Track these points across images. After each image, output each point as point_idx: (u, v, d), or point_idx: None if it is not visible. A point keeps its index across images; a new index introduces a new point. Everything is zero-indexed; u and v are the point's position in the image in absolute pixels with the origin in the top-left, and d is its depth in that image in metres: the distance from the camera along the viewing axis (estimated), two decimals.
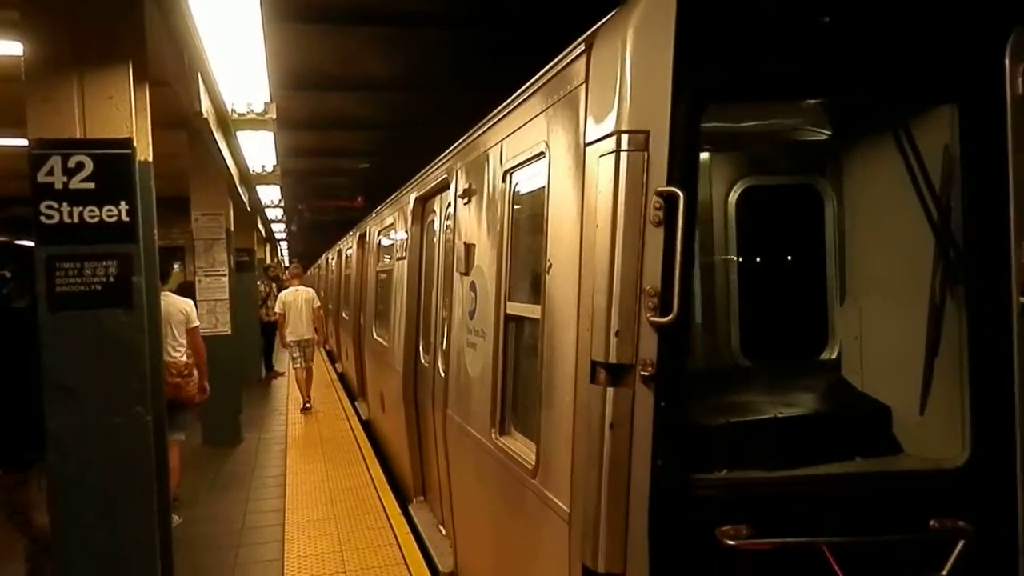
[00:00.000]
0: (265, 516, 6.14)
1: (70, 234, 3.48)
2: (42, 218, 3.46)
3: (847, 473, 2.19)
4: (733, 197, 2.89)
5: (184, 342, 6.19)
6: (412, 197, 5.39)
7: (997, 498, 1.98)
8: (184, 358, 6.18)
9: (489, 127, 3.39)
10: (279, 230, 20.93)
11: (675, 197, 1.99)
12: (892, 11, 2.01)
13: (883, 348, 2.33)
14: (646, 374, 2.04)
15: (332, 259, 14.84)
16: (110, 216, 3.52)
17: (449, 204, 4.14)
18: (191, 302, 6.49)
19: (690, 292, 2.23)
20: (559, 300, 2.38)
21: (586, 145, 2.24)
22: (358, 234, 9.65)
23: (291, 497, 6.57)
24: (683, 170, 2.01)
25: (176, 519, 5.58)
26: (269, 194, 12.09)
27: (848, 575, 1.98)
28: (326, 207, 15.34)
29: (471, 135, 3.75)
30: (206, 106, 5.88)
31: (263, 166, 9.26)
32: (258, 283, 14.19)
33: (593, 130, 2.21)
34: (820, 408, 2.53)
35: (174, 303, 6.23)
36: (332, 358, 15.09)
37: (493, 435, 2.99)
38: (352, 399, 10.00)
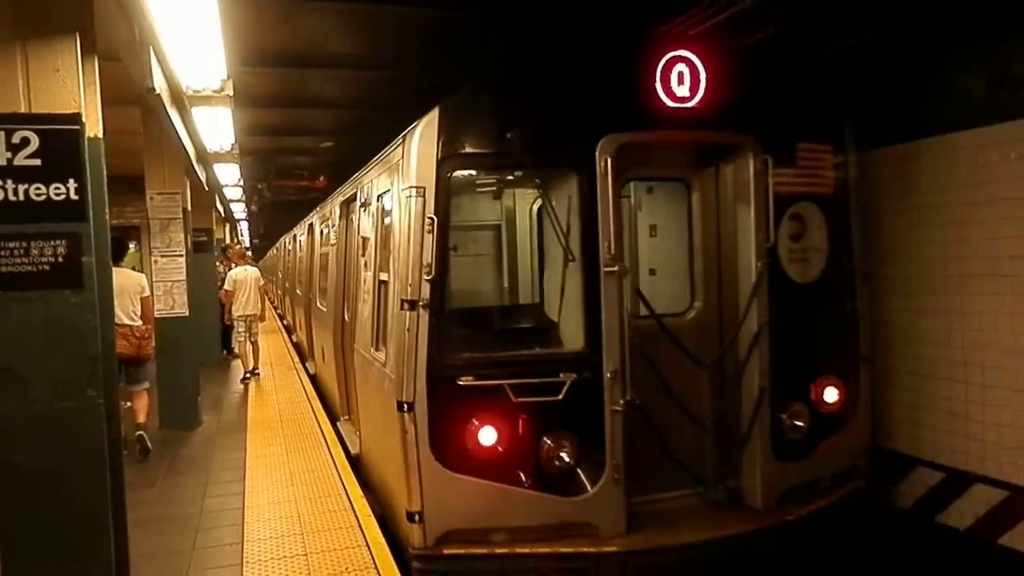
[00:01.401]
0: (225, 499, 6.12)
1: (15, 213, 3.39)
2: None
3: (529, 353, 4.67)
4: (533, 209, 5.45)
5: (138, 310, 7.49)
6: (338, 201, 7.78)
7: (593, 364, 4.53)
8: (142, 323, 7.53)
9: (373, 167, 5.91)
10: (239, 210, 20.73)
11: (433, 219, 4.37)
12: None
13: (562, 298, 4.80)
14: (423, 304, 4.41)
15: (289, 243, 16.63)
16: (58, 194, 3.45)
17: (356, 209, 6.54)
18: (143, 275, 7.81)
19: (445, 265, 4.45)
20: (393, 269, 4.68)
21: (402, 190, 4.60)
22: (307, 224, 12.19)
23: (251, 479, 6.55)
24: (439, 205, 4.37)
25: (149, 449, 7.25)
26: (228, 173, 11.97)
27: (519, 396, 4.43)
28: (288, 187, 15.03)
29: (367, 168, 6.22)
30: (159, 82, 5.76)
31: (220, 144, 9.18)
32: (217, 264, 14.11)
33: (404, 183, 4.58)
34: (525, 324, 4.96)
35: (131, 276, 7.57)
36: (289, 331, 16.34)
37: (372, 351, 5.41)
38: (303, 360, 11.97)
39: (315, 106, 9.48)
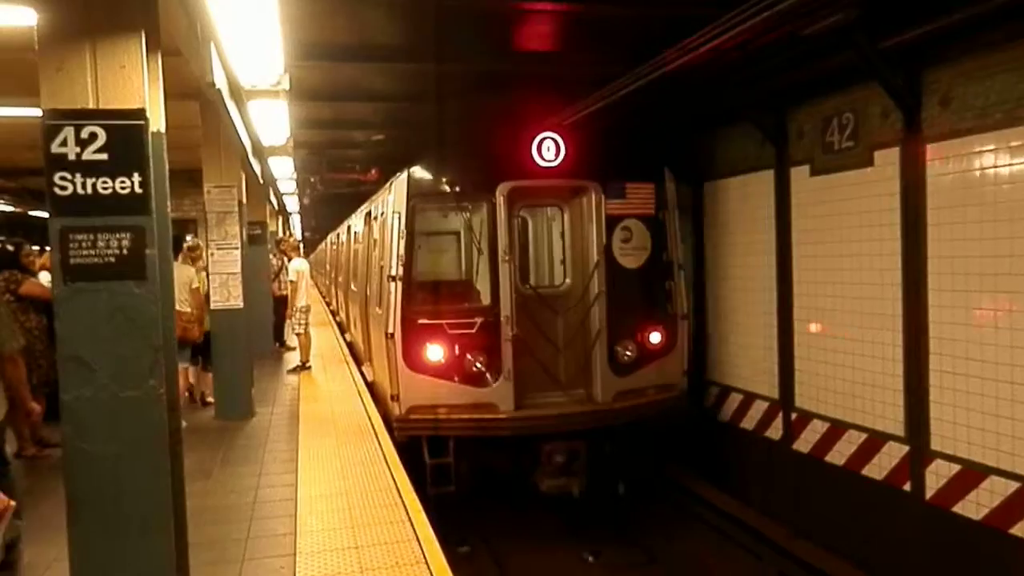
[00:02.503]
0: (277, 491, 6.20)
1: (84, 205, 3.45)
2: (56, 189, 3.43)
3: (458, 306, 8.23)
4: (465, 224, 8.39)
5: (188, 298, 8.54)
6: (364, 212, 11.66)
7: (495, 313, 8.26)
8: (188, 309, 8.55)
9: (380, 195, 9.70)
10: (292, 203, 20.89)
11: (405, 231, 8.13)
12: None
13: (477, 275, 8.29)
14: (399, 278, 8.05)
15: (343, 236, 17.87)
16: (123, 188, 3.50)
17: (373, 221, 10.22)
18: (192, 268, 8.85)
19: (411, 256, 8.09)
20: (386, 259, 8.33)
21: (391, 213, 8.39)
22: (346, 226, 15.84)
23: (303, 471, 6.61)
24: (409, 222, 8.13)
25: (183, 424, 6.98)
26: (282, 166, 12.16)
27: (452, 330, 8.18)
28: (339, 180, 14.98)
29: (378, 194, 10.05)
30: (219, 76, 5.86)
31: (276, 138, 9.29)
32: (271, 257, 14.40)
33: (391, 209, 8.45)
34: (459, 289, 8.32)
35: (182, 269, 8.53)
36: (342, 329, 16.86)
37: (377, 309, 8.91)
38: (358, 364, 12.28)
39: (367, 99, 9.45)
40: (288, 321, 12.41)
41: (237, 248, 8.64)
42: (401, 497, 5.92)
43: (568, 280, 8.88)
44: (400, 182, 8.63)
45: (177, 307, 8.01)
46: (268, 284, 13.52)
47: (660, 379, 8.83)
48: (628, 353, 8.62)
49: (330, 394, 9.98)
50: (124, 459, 3.51)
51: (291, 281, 11.52)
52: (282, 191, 16.59)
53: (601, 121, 8.75)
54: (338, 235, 19.88)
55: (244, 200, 9.21)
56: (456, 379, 8.17)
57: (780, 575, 7.86)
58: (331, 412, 8.84)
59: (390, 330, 8.21)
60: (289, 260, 12.39)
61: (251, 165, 10.09)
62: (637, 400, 8.59)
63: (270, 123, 8.38)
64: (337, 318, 19.13)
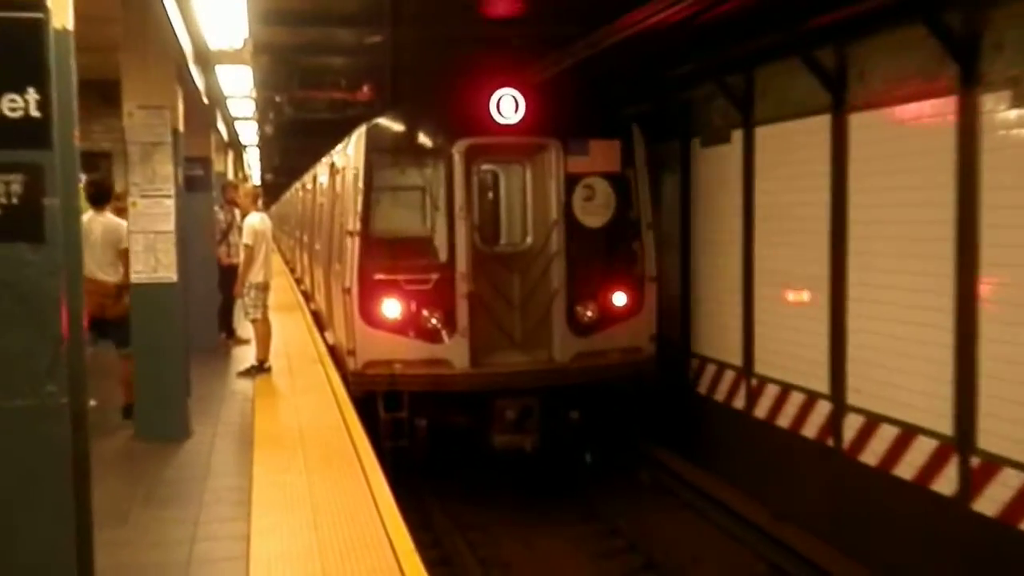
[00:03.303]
0: (220, 545, 6.26)
1: None
2: None
3: (415, 262, 11.40)
4: (424, 179, 11.57)
5: (113, 264, 9.09)
6: (329, 163, 14.79)
7: (452, 269, 11.50)
8: (113, 279, 9.06)
9: (341, 147, 13.53)
10: (248, 134, 20.91)
11: (363, 186, 11.40)
12: None
13: (434, 230, 11.61)
14: (357, 233, 11.33)
15: (306, 187, 21.62)
16: (13, 110, 3.45)
17: (336, 174, 13.56)
18: (124, 223, 9.03)
19: (368, 212, 11.42)
20: (345, 214, 12.00)
21: (350, 168, 12.03)
22: (313, 174, 19.31)
23: (258, 517, 6.68)
24: (368, 178, 11.41)
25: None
26: (237, 80, 12.24)
27: (408, 286, 11.37)
28: (317, 101, 15.60)
29: (341, 145, 13.68)
30: None
31: (228, 39, 9.38)
32: (216, 209, 14.32)
33: (350, 164, 12.07)
34: (416, 246, 11.49)
35: (112, 222, 9.25)
36: (307, 298, 19.80)
37: (336, 266, 12.49)
38: (323, 333, 15.30)
39: None
40: (240, 302, 12.54)
41: (169, 196, 8.73)
42: (397, 558, 5.94)
43: (530, 239, 11.86)
44: (358, 136, 11.76)
45: (99, 275, 8.83)
46: (213, 248, 13.69)
47: (625, 342, 11.77)
48: (589, 314, 11.53)
49: (298, 407, 10.21)
50: (9, 499, 3.50)
51: (246, 245, 11.69)
52: (235, 116, 16.62)
53: (568, 77, 11.86)
54: (303, 184, 22.08)
55: (181, 128, 9.28)
56: (412, 335, 11.18)
57: (769, 565, 9.96)
58: (299, 432, 9.03)
59: (347, 285, 11.36)
60: (243, 215, 12.65)
61: (191, 77, 10.03)
62: (597, 362, 11.53)
63: (220, 16, 8.48)
64: (302, 287, 21.54)
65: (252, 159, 29.94)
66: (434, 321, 11.06)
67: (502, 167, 12.38)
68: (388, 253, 11.26)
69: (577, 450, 11.84)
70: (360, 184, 11.31)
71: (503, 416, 11.10)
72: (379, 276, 11.14)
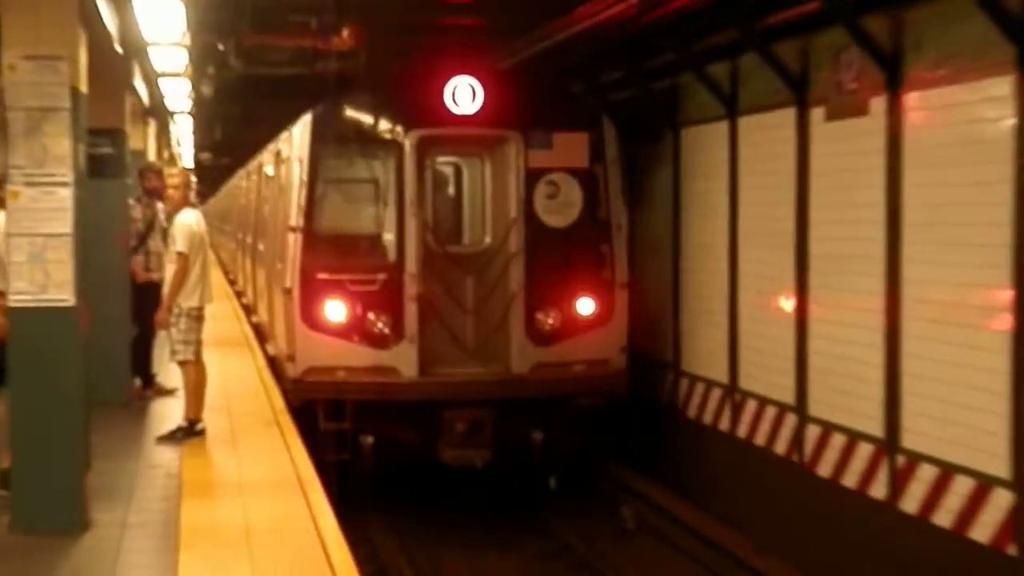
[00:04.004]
0: None
1: None
2: None
3: (360, 261, 11.98)
4: (372, 172, 12.18)
5: None
6: (275, 150, 15.52)
7: (400, 269, 12.02)
8: None
9: (282, 137, 15.14)
10: (178, 96, 19.29)
11: (306, 179, 11.87)
12: None
13: (383, 227, 12.46)
14: (300, 229, 11.85)
15: (250, 177, 22.02)
16: None
17: (280, 164, 14.78)
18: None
19: (312, 207, 11.79)
20: (291, 207, 12.47)
21: (293, 159, 12.80)
22: (259, 162, 19.75)
23: None
24: (312, 170, 11.88)
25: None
26: (162, 20, 11.34)
27: (353, 287, 11.87)
28: (277, 49, 14.79)
29: (285, 131, 14.73)
30: None
31: None
32: (131, 203, 12.97)
33: (295, 154, 12.77)
34: (363, 244, 12.10)
35: None
36: (249, 312, 19.85)
37: (278, 265, 13.26)
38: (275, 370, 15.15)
39: None
40: (165, 335, 11.12)
41: (66, 184, 7.98)
42: None
43: (488, 239, 11.86)
44: (303, 124, 12.17)
45: None
46: (125, 258, 12.34)
47: (591, 354, 11.64)
48: (551, 321, 11.46)
49: (244, 487, 9.18)
50: None
51: (179, 254, 10.41)
52: (161, 72, 15.28)
53: (531, 64, 12.76)
54: (249, 172, 22.24)
55: (83, 87, 8.48)
56: (357, 340, 11.22)
57: None
58: (244, 526, 8.14)
59: (288, 285, 11.62)
60: (170, 211, 11.59)
61: (100, 16, 9.36)
62: (559, 374, 11.54)
63: None
64: (244, 299, 21.72)
65: (183, 133, 28.30)
66: (381, 325, 11.26)
67: (464, 161, 12.67)
68: (333, 251, 11.61)
69: (540, 474, 12.01)
70: (304, 176, 11.69)
71: (452, 428, 11.28)
72: (322, 276, 11.42)
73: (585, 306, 11.64)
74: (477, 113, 11.43)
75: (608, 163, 11.99)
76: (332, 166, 11.71)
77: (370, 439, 11.25)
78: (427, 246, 11.49)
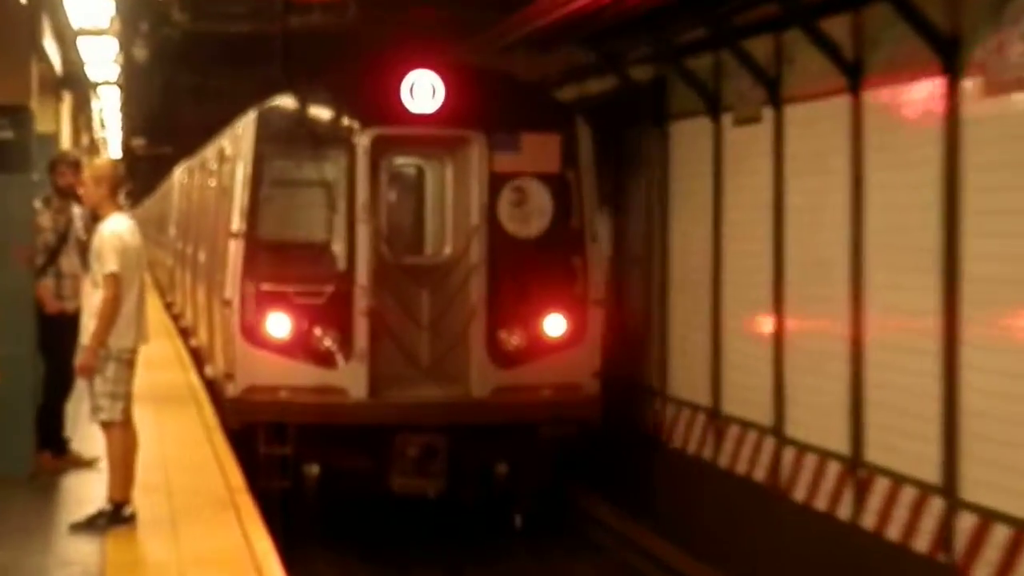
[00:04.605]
0: None
1: None
2: None
3: (307, 271, 11.75)
4: (322, 175, 11.91)
5: None
6: (219, 148, 15.30)
7: (350, 281, 11.70)
8: None
9: (227, 133, 14.88)
10: (102, 63, 17.34)
11: (249, 181, 11.68)
12: None
13: (332, 235, 12.40)
14: (241, 235, 11.63)
15: (193, 176, 20.06)
16: None
17: (223, 165, 14.60)
18: None
19: (255, 211, 11.55)
20: (233, 212, 12.23)
21: (239, 158, 12.33)
22: (200, 159, 19.25)
23: None
24: (256, 171, 11.56)
25: None
26: None
27: (299, 299, 11.67)
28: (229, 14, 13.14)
29: (222, 135, 15.67)
30: None
31: None
32: (38, 206, 11.09)
33: (238, 153, 12.51)
34: (310, 252, 11.84)
35: None
36: (198, 359, 17.13)
37: (219, 276, 12.88)
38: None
39: None
40: (86, 387, 9.14)
41: None
42: None
43: (448, 249, 11.72)
44: (247, 123, 11.97)
45: None
46: (29, 281, 10.51)
47: (560, 377, 11.27)
48: (515, 341, 11.12)
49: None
50: None
51: (109, 276, 8.59)
52: (78, 28, 14.25)
53: (493, 57, 13.39)
54: (191, 169, 20.35)
55: None
56: (301, 357, 11.01)
57: None
58: None
59: (227, 296, 11.45)
60: (92, 217, 10.24)
61: None
62: (524, 398, 11.22)
63: None
64: (182, 322, 19.61)
65: (109, 111, 24.89)
66: (327, 342, 10.98)
67: (428, 163, 12.38)
68: (277, 260, 11.37)
69: (503, 509, 11.67)
70: (247, 177, 11.45)
71: (403, 455, 10.99)
72: (265, 287, 11.18)
73: (554, 325, 11.31)
74: (437, 111, 11.18)
75: (582, 168, 11.62)
76: (278, 167, 11.49)
77: (315, 467, 10.96)
78: (380, 256, 11.29)
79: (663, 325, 12.86)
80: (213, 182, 15.74)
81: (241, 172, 11.61)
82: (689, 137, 12.36)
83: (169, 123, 25.20)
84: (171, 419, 12.96)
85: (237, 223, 11.40)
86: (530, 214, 11.42)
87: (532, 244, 11.43)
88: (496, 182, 11.31)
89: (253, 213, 11.27)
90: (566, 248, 11.52)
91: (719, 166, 11.70)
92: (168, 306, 23.74)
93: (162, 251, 26.13)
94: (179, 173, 24.31)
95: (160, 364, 16.09)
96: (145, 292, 9.07)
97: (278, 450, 10.87)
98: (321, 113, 11.62)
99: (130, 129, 28.78)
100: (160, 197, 31.15)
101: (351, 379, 10.95)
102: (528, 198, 11.40)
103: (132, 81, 20.21)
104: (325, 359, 10.94)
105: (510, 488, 11.38)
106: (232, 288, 11.25)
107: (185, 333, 19.12)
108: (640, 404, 12.91)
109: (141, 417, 9.29)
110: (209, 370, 13.85)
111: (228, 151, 13.59)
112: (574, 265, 11.52)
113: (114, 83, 20.39)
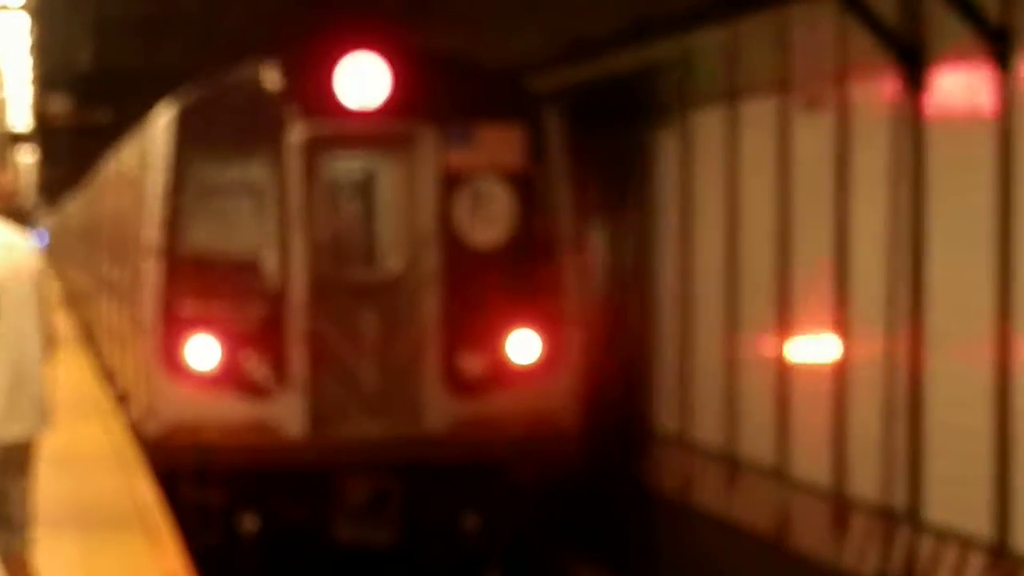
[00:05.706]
0: None
1: None
2: None
3: (234, 290, 10.40)
4: (250, 180, 10.62)
5: None
6: (136, 147, 13.75)
7: (285, 301, 10.64)
8: None
9: (143, 133, 13.10)
10: (9, 32, 14.49)
11: (172, 189, 10.35)
12: None
13: (265, 248, 11.18)
14: (158, 250, 10.33)
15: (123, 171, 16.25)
16: None
17: (138, 163, 13.14)
18: None
19: (175, 218, 10.32)
20: (149, 224, 10.89)
21: (153, 163, 11.03)
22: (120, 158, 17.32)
23: None
24: (175, 176, 10.25)
25: None
26: None
27: (226, 323, 10.46)
28: None
29: (135, 141, 14.39)
30: None
31: None
32: None
33: (152, 157, 11.08)
34: (237, 269, 10.46)
35: None
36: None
37: (135, 299, 11.75)
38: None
39: None
40: None
41: None
42: None
43: (396, 262, 10.29)
44: (163, 123, 10.42)
45: None
46: None
47: (530, 408, 9.93)
48: (475, 367, 9.87)
49: None
50: None
51: None
52: None
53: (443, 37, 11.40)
54: (118, 167, 16.41)
55: None
56: (230, 388, 9.72)
57: None
58: None
59: (143, 320, 10.12)
60: None
61: None
62: (487, 433, 9.83)
63: None
64: (104, 360, 16.75)
65: (10, 50, 17.62)
66: (259, 370, 9.69)
67: (372, 162, 10.70)
68: (200, 278, 10.04)
69: (471, 565, 10.08)
70: (165, 184, 10.08)
71: (348, 500, 9.69)
72: (186, 309, 9.93)
73: (520, 347, 10.12)
74: (382, 102, 9.93)
75: (550, 163, 10.26)
76: (199, 173, 10.09)
77: (252, 518, 9.63)
78: (318, 271, 10.00)
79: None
80: (128, 188, 13.74)
81: (157, 178, 10.21)
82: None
83: (108, 73, 17.10)
84: (107, 559, 7.75)
85: (154, 237, 10.09)
86: (490, 219, 10.16)
87: (494, 254, 10.15)
88: (450, 183, 10.07)
89: (172, 225, 9.99)
90: (533, 258, 10.19)
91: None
92: (107, 370, 16.70)
93: (85, 274, 19.54)
94: (116, 160, 17.90)
95: (92, 463, 10.92)
96: (35, 345, 5.61)
97: (208, 499, 9.55)
98: (248, 108, 10.20)
99: (45, 81, 19.26)
100: (91, 196, 21.20)
101: (287, 413, 9.69)
102: (487, 200, 10.14)
103: (49, 4, 13.30)
104: (256, 390, 9.72)
105: (479, 543, 9.92)
106: (149, 312, 9.96)
107: (110, 376, 15.29)
108: (647, 449, 11.38)
109: (50, 560, 5.85)
110: (132, 412, 12.00)
111: (142, 152, 12.00)
112: (543, 278, 10.17)
113: (19, 7, 13.81)
